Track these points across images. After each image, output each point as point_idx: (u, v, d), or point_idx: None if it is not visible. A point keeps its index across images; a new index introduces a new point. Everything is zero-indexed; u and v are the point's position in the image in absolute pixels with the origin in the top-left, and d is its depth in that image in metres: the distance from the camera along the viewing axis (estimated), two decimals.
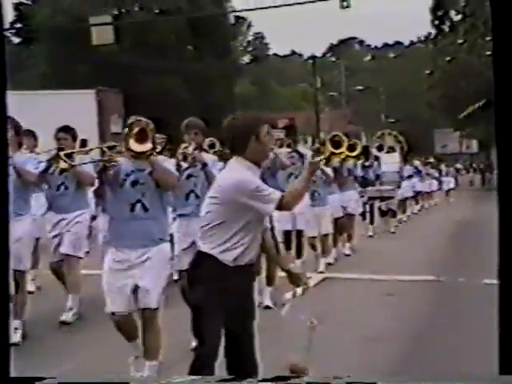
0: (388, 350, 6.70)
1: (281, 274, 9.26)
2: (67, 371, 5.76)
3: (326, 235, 11.38)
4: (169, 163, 5.76)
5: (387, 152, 17.46)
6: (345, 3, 20.22)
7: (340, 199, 12.58)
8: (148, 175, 5.41)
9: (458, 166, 46.37)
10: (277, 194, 4.29)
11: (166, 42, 40.91)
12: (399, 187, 17.62)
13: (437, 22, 49.07)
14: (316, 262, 11.22)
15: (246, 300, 4.45)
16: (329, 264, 11.61)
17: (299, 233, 10.27)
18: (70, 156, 6.82)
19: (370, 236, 16.32)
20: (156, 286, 5.29)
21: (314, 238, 11.04)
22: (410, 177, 20.82)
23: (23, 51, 45.46)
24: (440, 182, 30.99)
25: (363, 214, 16.50)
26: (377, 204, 17.03)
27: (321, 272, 11.03)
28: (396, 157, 17.39)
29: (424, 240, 15.62)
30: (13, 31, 46.72)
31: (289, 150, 9.68)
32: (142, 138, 5.31)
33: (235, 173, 4.26)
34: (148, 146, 5.30)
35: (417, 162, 24.17)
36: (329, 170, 10.95)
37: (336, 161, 11.47)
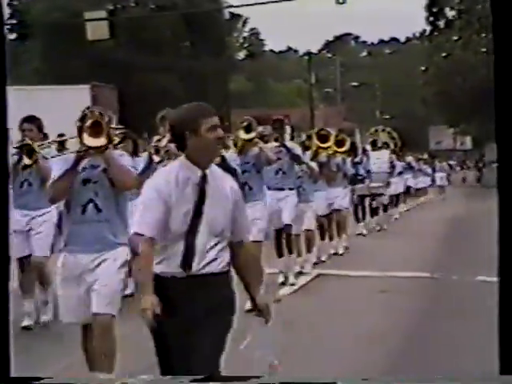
0: (382, 347, 6.72)
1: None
2: (64, 368, 5.75)
3: (308, 231, 10.93)
4: (126, 159, 5.15)
5: (380, 148, 17.17)
6: None
7: (326, 196, 12.22)
8: (102, 172, 4.94)
9: (452, 162, 46.31)
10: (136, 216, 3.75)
11: (162, 38, 40.86)
12: (388, 185, 17.34)
13: (432, 19, 49.13)
14: (300, 261, 10.79)
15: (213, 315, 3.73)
16: (315, 263, 11.29)
17: (288, 228, 9.87)
18: (32, 151, 6.15)
19: (362, 235, 15.97)
20: (111, 292, 4.82)
21: (297, 236, 10.58)
22: (401, 173, 20.59)
23: (18, 47, 45.33)
24: (433, 179, 30.97)
25: (355, 213, 16.26)
26: (367, 202, 16.74)
27: (307, 272, 10.71)
28: (385, 155, 17.01)
29: (417, 237, 15.52)
30: (7, 27, 46.63)
31: (276, 144, 9.42)
32: (96, 131, 4.87)
33: (154, 175, 3.92)
34: (103, 140, 4.86)
35: (409, 158, 23.76)
36: (314, 165, 10.59)
37: (323, 155, 11.25)
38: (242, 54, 67.82)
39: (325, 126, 15.32)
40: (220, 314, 3.74)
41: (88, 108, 5.09)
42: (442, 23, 48.78)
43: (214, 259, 3.73)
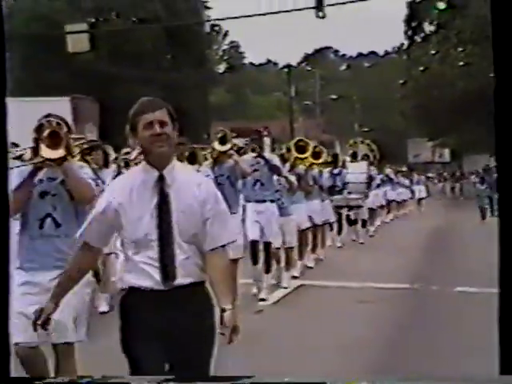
0: (362, 356, 6.80)
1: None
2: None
3: (289, 248, 10.64)
4: (86, 171, 4.80)
5: (361, 159, 17.06)
6: (320, 13, 20.36)
7: (306, 209, 11.89)
8: (60, 185, 4.62)
9: (430, 175, 46.54)
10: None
11: (143, 50, 40.89)
12: (366, 197, 17.04)
13: (410, 33, 49.59)
14: (280, 275, 10.59)
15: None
16: (294, 277, 10.99)
17: (267, 245, 9.57)
18: None
19: (339, 247, 15.77)
20: (72, 315, 4.43)
21: (278, 249, 10.20)
22: (379, 185, 20.24)
23: None
24: (412, 191, 30.93)
25: (330, 224, 15.59)
26: (344, 213, 16.47)
27: (285, 287, 10.38)
28: (363, 166, 16.78)
29: (395, 250, 15.34)
30: None
31: (253, 154, 9.25)
32: (54, 142, 4.56)
33: (111, 183, 3.88)
34: (61, 151, 4.53)
35: (388, 170, 23.44)
36: (293, 178, 10.35)
37: (301, 168, 11.08)
38: (222, 67, 67.97)
39: (304, 139, 15.01)
40: (199, 324, 3.48)
41: (46, 117, 4.70)
42: (419, 37, 49.26)
43: (188, 268, 3.43)
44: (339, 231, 16.25)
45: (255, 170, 9.13)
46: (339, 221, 16.18)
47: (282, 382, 2.65)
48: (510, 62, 1.56)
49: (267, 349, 7.12)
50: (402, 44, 54.68)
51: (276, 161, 9.55)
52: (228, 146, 8.35)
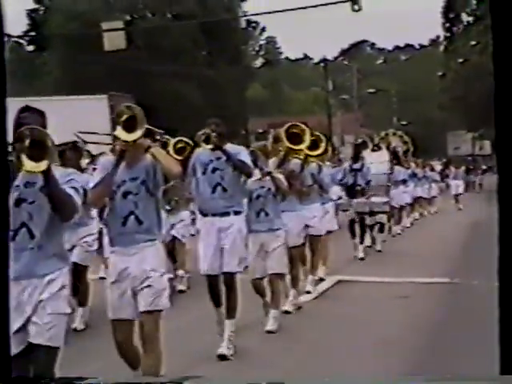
0: (403, 352, 6.73)
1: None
2: (94, 371, 5.79)
3: (276, 275, 7.66)
4: (72, 177, 4.30)
5: (373, 150, 14.70)
6: (356, 6, 20.19)
7: (299, 218, 8.66)
8: (39, 191, 4.16)
9: (471, 167, 45.28)
10: None
11: (179, 47, 41.04)
12: (388, 192, 14.26)
13: (448, 25, 49.05)
14: (266, 316, 7.71)
15: None
16: (286, 312, 8.31)
17: (230, 278, 6.83)
18: None
19: (360, 259, 13.20)
20: (48, 332, 4.16)
21: (260, 279, 7.68)
22: (404, 181, 18.07)
23: (37, 58, 45.74)
24: (447, 186, 29.57)
25: (352, 231, 13.46)
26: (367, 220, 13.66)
27: (269, 331, 7.53)
28: (384, 156, 14.58)
29: (420, 257, 13.34)
30: (26, 39, 47.01)
31: (209, 146, 6.68)
32: (37, 153, 4.01)
33: None
34: (44, 164, 3.99)
35: (413, 165, 20.56)
36: (281, 176, 7.64)
37: (294, 162, 8.46)
38: (258, 62, 67.97)
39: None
40: None
41: (22, 123, 4.14)
42: (458, 29, 48.70)
43: None
44: (361, 240, 13.49)
45: (214, 170, 6.73)
46: (361, 227, 13.47)
47: (277, 382, 2.58)
48: (510, 62, 1.50)
49: (305, 343, 7.10)
50: (438, 36, 54.17)
51: (243, 155, 6.78)
52: (138, 133, 4.97)
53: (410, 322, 8.02)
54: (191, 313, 8.41)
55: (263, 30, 69.84)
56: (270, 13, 24.58)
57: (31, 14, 45.89)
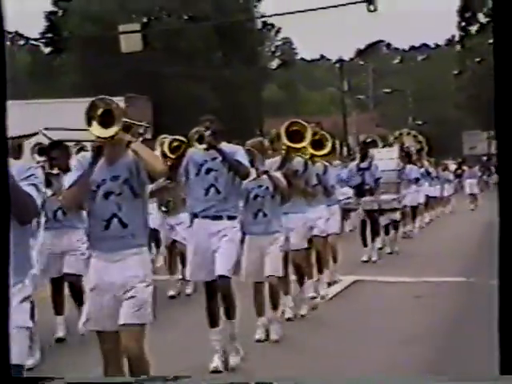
0: (418, 350, 6.77)
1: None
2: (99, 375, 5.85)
3: (273, 277, 7.24)
4: (31, 173, 3.55)
5: (383, 147, 14.55)
6: (372, 7, 20.22)
7: (302, 221, 8.20)
8: None
9: (485, 166, 44.54)
10: None
11: (194, 48, 41.19)
12: (398, 190, 13.89)
13: (463, 24, 48.92)
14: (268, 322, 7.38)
15: None
16: (288, 319, 8.00)
17: (225, 285, 6.33)
18: None
19: (371, 261, 12.87)
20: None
21: (260, 283, 7.30)
22: (417, 180, 17.48)
23: (54, 60, 46.03)
24: (461, 186, 28.77)
25: (363, 234, 13.00)
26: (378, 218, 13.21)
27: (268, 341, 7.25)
28: (394, 152, 14.28)
29: (436, 257, 13.29)
30: (43, 41, 47.31)
31: (203, 146, 6.22)
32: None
33: None
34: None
35: (426, 164, 20.04)
36: (279, 175, 7.24)
37: (297, 161, 7.97)
38: (274, 63, 68.00)
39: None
40: None
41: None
42: (474, 28, 48.55)
43: None
44: (372, 241, 13.04)
45: (208, 171, 6.32)
46: (372, 227, 13.03)
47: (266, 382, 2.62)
48: (510, 63, 1.55)
49: (321, 341, 7.15)
50: (454, 36, 54.01)
51: (240, 155, 6.36)
52: (115, 128, 4.56)
53: (425, 322, 8.05)
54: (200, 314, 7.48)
55: (278, 30, 69.89)
56: (285, 14, 24.65)
57: (49, 16, 46.18)
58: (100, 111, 4.49)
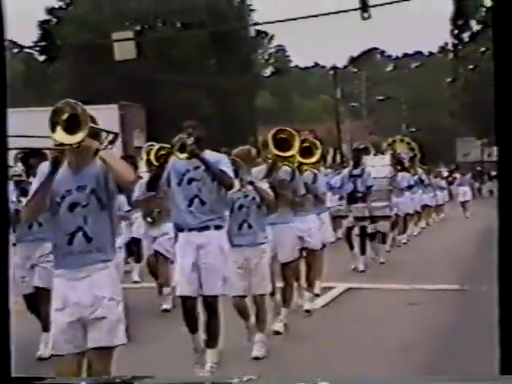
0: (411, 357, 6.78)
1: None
2: None
3: (261, 296, 6.87)
4: None
5: (375, 154, 14.41)
6: (365, 14, 20.28)
7: (292, 231, 7.92)
8: None
9: (478, 173, 44.36)
10: None
11: (188, 56, 41.26)
12: (390, 197, 13.58)
13: (456, 32, 49.14)
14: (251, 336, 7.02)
15: None
16: (276, 332, 7.68)
17: (211, 301, 6.13)
18: None
19: (359, 270, 12.52)
20: None
21: (242, 297, 6.89)
22: (410, 187, 17.41)
23: (48, 68, 46.04)
24: (453, 193, 28.39)
25: (349, 242, 12.81)
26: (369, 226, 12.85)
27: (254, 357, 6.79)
28: (386, 159, 14.07)
29: (429, 265, 13.13)
30: (38, 49, 47.32)
31: (184, 155, 5.92)
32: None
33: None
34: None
35: (419, 170, 19.87)
36: (265, 186, 6.87)
37: (284, 170, 7.70)
38: (268, 71, 68.13)
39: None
40: None
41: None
42: (467, 36, 48.77)
43: None
44: (362, 250, 12.72)
45: (190, 181, 6.04)
46: (362, 237, 12.72)
47: None
48: (510, 64, 1.57)
49: (314, 349, 7.15)
50: (447, 43, 54.24)
51: (224, 164, 6.08)
52: (81, 134, 4.27)
53: (420, 329, 8.06)
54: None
55: (271, 38, 70.04)
56: (279, 22, 24.70)
57: (43, 24, 46.21)
58: (65, 116, 4.17)
